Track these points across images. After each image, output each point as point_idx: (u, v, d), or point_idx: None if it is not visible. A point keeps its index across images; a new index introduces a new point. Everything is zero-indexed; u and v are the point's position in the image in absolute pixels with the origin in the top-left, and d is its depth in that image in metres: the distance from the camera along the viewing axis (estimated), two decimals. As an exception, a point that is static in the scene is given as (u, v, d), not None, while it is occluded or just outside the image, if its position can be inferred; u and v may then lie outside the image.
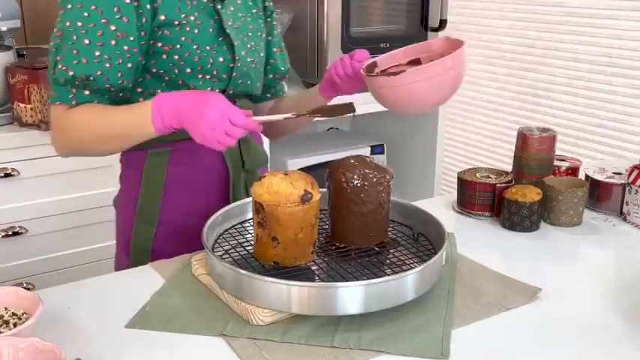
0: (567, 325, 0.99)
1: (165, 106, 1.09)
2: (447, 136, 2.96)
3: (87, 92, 1.14)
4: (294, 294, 0.94)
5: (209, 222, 1.12)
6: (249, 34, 1.31)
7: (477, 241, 1.30)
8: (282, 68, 1.45)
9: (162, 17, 1.16)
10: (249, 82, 1.31)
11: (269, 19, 1.40)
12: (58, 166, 1.97)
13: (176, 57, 1.19)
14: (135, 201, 1.29)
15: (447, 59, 1.12)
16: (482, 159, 2.96)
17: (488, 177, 1.42)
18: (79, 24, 1.11)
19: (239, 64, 1.25)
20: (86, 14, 1.11)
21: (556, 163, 1.47)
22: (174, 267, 1.15)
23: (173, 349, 0.92)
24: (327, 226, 1.18)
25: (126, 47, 1.13)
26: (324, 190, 1.14)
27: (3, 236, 1.93)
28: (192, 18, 1.19)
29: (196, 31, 1.20)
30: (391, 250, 1.13)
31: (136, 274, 1.15)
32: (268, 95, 1.46)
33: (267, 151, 2.24)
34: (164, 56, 1.19)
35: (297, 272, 1.04)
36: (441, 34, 2.57)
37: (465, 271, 1.14)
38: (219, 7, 1.23)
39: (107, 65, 1.12)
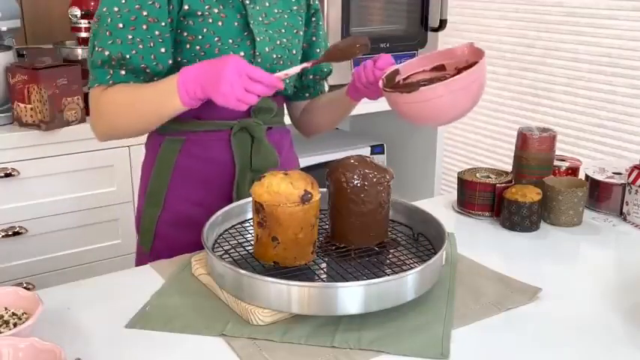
0: (567, 325, 0.99)
1: (189, 77, 1.11)
2: (447, 136, 2.97)
3: (123, 72, 1.17)
4: (294, 294, 0.94)
5: (209, 222, 1.12)
6: (283, 30, 1.30)
7: (477, 241, 1.30)
8: (325, 69, 1.43)
9: (187, 7, 1.18)
10: None
11: (314, 18, 1.40)
12: (58, 166, 1.97)
13: (197, 47, 1.20)
14: (147, 184, 1.33)
15: (464, 76, 1.07)
16: (483, 159, 2.96)
17: (488, 177, 1.42)
18: (115, 9, 1.15)
19: (259, 60, 1.24)
20: (122, 0, 1.15)
21: (556, 163, 1.47)
22: (174, 267, 1.15)
23: (173, 349, 0.92)
24: (327, 226, 1.18)
25: (157, 32, 1.16)
26: (324, 190, 1.14)
27: (3, 236, 1.93)
28: (215, 10, 1.20)
29: (220, 23, 1.21)
30: (391, 250, 1.13)
31: (136, 274, 1.15)
32: (307, 95, 1.45)
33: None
34: (187, 46, 1.21)
35: (297, 272, 1.04)
36: (441, 34, 2.57)
37: (465, 271, 1.14)
38: (247, 2, 1.24)
39: (140, 47, 1.16)
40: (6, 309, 0.92)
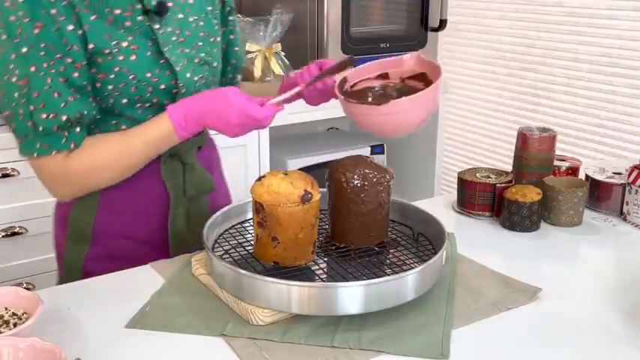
0: (567, 325, 0.99)
1: (184, 117, 1.09)
2: (446, 136, 2.97)
3: (77, 129, 1.08)
4: (294, 294, 0.94)
5: (209, 222, 1.12)
6: (200, 43, 1.20)
7: (477, 241, 1.30)
8: (244, 65, 1.40)
9: (92, 45, 1.06)
10: None
11: (230, 17, 1.31)
12: (58, 166, 1.97)
13: (110, 87, 1.10)
14: (66, 217, 1.22)
15: (429, 91, 1.06)
16: (482, 159, 2.96)
17: (488, 177, 1.42)
18: (45, 65, 1.02)
19: (183, 91, 1.16)
20: (43, 53, 1.02)
21: (556, 163, 1.47)
22: (174, 267, 1.15)
23: (173, 349, 0.92)
24: (327, 226, 1.18)
25: (86, 74, 1.07)
26: (324, 190, 1.14)
27: (3, 236, 1.93)
28: (124, 44, 1.08)
29: (133, 57, 1.09)
30: (391, 250, 1.13)
31: (136, 274, 1.15)
32: None
33: (268, 151, 2.26)
34: (98, 84, 1.09)
35: (297, 272, 1.04)
36: (441, 34, 2.57)
37: (465, 271, 1.14)
38: (156, 26, 1.11)
39: (78, 96, 1.06)
40: (6, 309, 0.92)
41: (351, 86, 1.17)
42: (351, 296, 0.94)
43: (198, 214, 1.25)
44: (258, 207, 1.04)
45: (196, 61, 1.18)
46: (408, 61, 1.18)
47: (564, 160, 1.51)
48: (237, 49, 1.36)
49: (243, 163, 2.23)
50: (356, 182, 1.09)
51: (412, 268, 1.02)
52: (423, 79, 1.14)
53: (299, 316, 0.97)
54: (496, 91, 2.84)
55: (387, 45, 2.42)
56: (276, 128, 2.17)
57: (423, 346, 0.91)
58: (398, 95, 1.09)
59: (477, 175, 1.43)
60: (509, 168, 1.49)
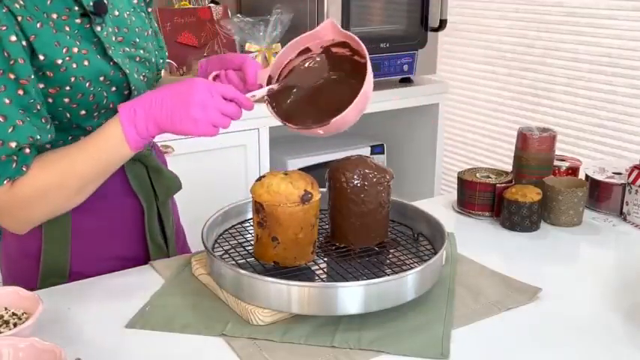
0: (567, 325, 0.99)
1: (137, 113, 0.95)
2: (446, 136, 2.97)
3: (27, 151, 0.95)
4: (294, 294, 0.94)
5: (209, 222, 1.12)
6: (137, 40, 1.11)
7: (477, 241, 1.30)
8: (162, 60, 1.23)
9: (42, 57, 0.95)
10: None
11: (149, 9, 1.21)
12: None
13: (66, 100, 1.00)
14: (35, 253, 1.12)
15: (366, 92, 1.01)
16: (482, 159, 2.96)
17: (489, 177, 1.42)
18: None
19: (135, 93, 1.08)
20: None
21: (556, 163, 1.47)
22: (174, 267, 1.15)
23: (173, 349, 0.92)
24: (327, 226, 1.18)
25: (34, 90, 0.95)
26: (324, 190, 1.14)
27: (3, 236, 1.92)
28: (75, 50, 0.99)
29: (86, 63, 1.00)
30: (391, 250, 1.13)
31: (136, 274, 1.15)
32: None
33: (268, 151, 2.26)
34: (50, 100, 0.99)
35: (297, 272, 1.04)
36: (441, 34, 2.57)
37: (465, 271, 1.14)
38: (98, 29, 1.03)
39: (28, 118, 0.94)
40: (6, 309, 0.92)
41: (277, 78, 1.11)
42: (351, 296, 0.94)
43: (169, 227, 1.25)
44: (258, 207, 1.04)
45: (137, 59, 1.10)
46: (324, 33, 1.10)
47: (564, 160, 1.51)
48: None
49: (243, 163, 2.23)
50: (356, 182, 1.09)
51: (412, 268, 1.02)
52: (347, 46, 1.09)
53: (299, 316, 0.97)
54: (496, 91, 2.85)
55: (387, 45, 2.42)
56: (276, 128, 2.18)
57: (423, 346, 0.91)
58: (329, 66, 1.07)
59: (477, 175, 1.43)
60: (509, 168, 1.49)
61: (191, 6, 2.50)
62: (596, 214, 1.43)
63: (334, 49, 1.10)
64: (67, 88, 0.99)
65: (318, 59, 1.11)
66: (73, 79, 0.99)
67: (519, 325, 0.99)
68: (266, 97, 1.07)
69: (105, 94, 1.04)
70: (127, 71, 1.06)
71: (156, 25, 1.24)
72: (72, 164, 0.97)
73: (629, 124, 2.36)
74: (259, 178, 1.06)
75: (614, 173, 1.47)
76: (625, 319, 1.01)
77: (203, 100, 0.94)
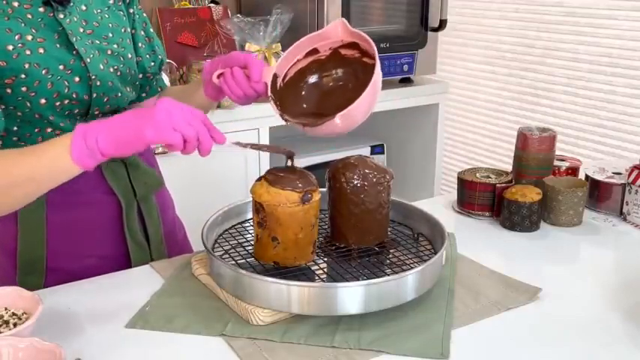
0: (567, 325, 0.99)
1: (91, 126, 0.92)
2: (446, 136, 2.97)
3: None
4: (294, 294, 0.94)
5: (209, 222, 1.12)
6: (110, 34, 1.13)
7: (477, 241, 1.30)
8: (153, 63, 1.25)
9: None
10: (118, 94, 1.14)
11: (131, 10, 1.21)
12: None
13: (23, 89, 1.00)
14: (11, 251, 1.12)
15: (370, 92, 1.00)
16: (482, 159, 2.96)
17: (489, 177, 1.42)
18: None
19: (98, 83, 1.08)
20: None
21: (556, 163, 1.47)
22: (174, 267, 1.15)
23: (173, 349, 0.92)
24: (327, 226, 1.18)
25: None
26: (324, 190, 1.14)
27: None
28: (29, 38, 1.00)
29: (41, 50, 1.01)
30: (391, 250, 1.13)
31: (136, 274, 1.15)
32: (143, 95, 1.27)
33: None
34: (8, 90, 1.00)
35: (297, 272, 1.04)
36: (441, 34, 2.57)
37: (465, 271, 1.14)
38: (61, 16, 1.04)
39: None
40: (6, 309, 0.92)
41: (283, 78, 1.11)
42: (351, 296, 0.94)
43: (152, 224, 1.23)
44: (258, 207, 1.04)
45: (109, 52, 1.11)
46: (333, 32, 1.09)
47: (564, 160, 1.51)
48: (140, 44, 1.23)
49: (243, 163, 2.23)
50: (356, 182, 1.09)
51: (412, 268, 1.02)
52: (357, 47, 1.08)
53: (299, 316, 0.97)
54: (496, 91, 2.84)
55: (387, 45, 2.42)
56: (276, 128, 2.18)
57: (423, 346, 0.91)
58: (334, 68, 1.08)
59: (477, 175, 1.43)
60: (509, 168, 1.49)
61: (191, 6, 2.50)
62: (596, 214, 1.43)
63: (343, 51, 1.11)
64: (23, 75, 1.00)
65: (327, 66, 1.11)
66: (27, 65, 1.00)
67: (519, 325, 0.99)
68: (270, 96, 1.07)
69: (66, 82, 1.05)
70: (88, 60, 1.07)
71: (151, 30, 1.26)
72: (6, 161, 0.94)
73: (628, 124, 2.36)
74: (259, 178, 1.06)
75: (614, 173, 1.47)
76: (625, 319, 1.01)
77: (167, 108, 0.92)
